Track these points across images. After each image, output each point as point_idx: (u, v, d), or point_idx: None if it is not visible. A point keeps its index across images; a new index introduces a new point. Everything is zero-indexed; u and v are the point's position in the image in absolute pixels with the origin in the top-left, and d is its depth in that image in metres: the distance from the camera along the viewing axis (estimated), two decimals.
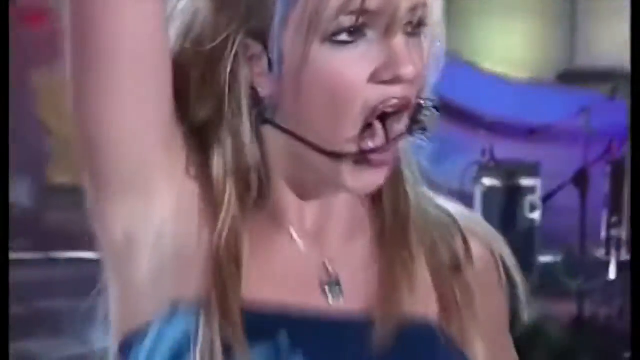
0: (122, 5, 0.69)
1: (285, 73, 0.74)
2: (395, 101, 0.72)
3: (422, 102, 0.76)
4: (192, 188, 0.76)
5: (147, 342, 0.73)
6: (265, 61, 0.74)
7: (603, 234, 4.64)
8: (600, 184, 4.80)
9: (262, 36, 0.73)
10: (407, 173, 0.83)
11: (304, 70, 0.72)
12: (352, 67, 0.72)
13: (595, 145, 4.58)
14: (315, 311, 0.78)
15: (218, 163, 0.76)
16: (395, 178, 0.82)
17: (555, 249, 5.02)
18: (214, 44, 0.73)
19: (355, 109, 0.72)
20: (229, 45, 0.73)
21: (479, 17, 7.41)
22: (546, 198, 4.70)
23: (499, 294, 0.87)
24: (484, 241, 0.87)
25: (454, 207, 0.88)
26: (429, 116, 0.77)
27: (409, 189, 0.83)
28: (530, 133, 5.26)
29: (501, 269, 0.87)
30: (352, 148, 0.73)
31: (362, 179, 0.75)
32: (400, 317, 0.77)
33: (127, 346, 0.75)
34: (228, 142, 0.76)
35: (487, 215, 4.44)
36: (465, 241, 0.86)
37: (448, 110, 5.07)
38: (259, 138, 0.77)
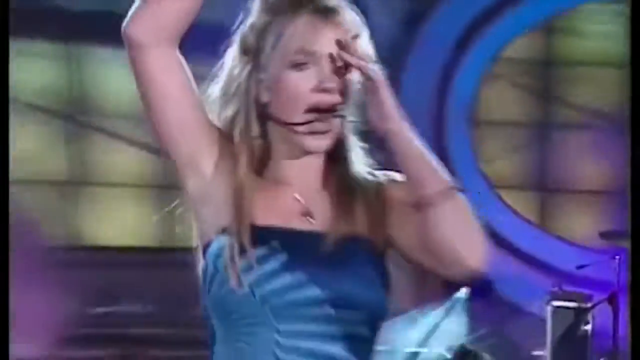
0: (164, 75, 1.35)
1: (273, 86, 1.38)
2: (324, 102, 1.36)
3: (343, 112, 1.39)
4: (222, 160, 1.39)
5: (211, 249, 1.36)
6: (264, 81, 1.39)
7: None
8: None
9: (263, 68, 1.39)
10: (349, 154, 1.44)
11: (280, 84, 1.37)
12: (302, 82, 1.37)
13: None
14: (294, 228, 1.37)
15: (236, 142, 1.39)
16: (342, 156, 1.43)
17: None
18: (240, 78, 1.40)
19: (304, 104, 1.36)
20: (245, 74, 1.40)
21: None
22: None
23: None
24: (400, 184, 1.41)
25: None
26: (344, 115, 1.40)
27: (350, 158, 1.43)
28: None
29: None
30: (305, 121, 1.35)
31: (314, 143, 1.37)
32: (342, 232, 1.36)
33: (204, 248, 1.39)
34: (243, 129, 1.39)
35: (555, 328, 5.89)
36: (386, 182, 1.44)
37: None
38: (262, 126, 1.40)
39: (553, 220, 7.69)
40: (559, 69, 7.76)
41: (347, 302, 1.35)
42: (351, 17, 1.42)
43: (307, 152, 1.40)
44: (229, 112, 1.42)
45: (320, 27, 1.39)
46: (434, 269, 1.38)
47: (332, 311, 1.34)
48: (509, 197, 7.68)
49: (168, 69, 1.35)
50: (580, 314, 5.73)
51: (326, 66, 1.37)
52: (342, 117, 1.39)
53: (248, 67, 1.42)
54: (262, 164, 1.43)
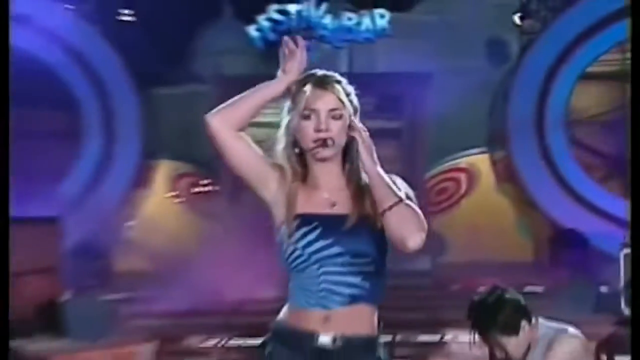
0: (233, 146, 2.07)
1: (297, 129, 2.07)
2: (320, 137, 2.04)
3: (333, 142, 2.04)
4: (280, 180, 2.10)
5: (282, 230, 2.06)
6: (293, 128, 2.08)
7: None
8: None
9: (292, 119, 2.09)
10: (357, 162, 2.09)
11: (299, 128, 2.07)
12: (309, 127, 2.05)
13: None
14: (325, 213, 2.07)
15: (284, 165, 2.10)
16: (352, 165, 2.11)
17: None
18: (285, 126, 2.12)
19: (310, 139, 2.05)
20: (286, 123, 2.11)
21: None
22: None
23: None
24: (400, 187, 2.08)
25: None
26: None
27: (357, 166, 2.09)
28: None
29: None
30: (312, 147, 2.06)
31: (320, 157, 2.06)
32: (357, 213, 2.06)
33: (278, 230, 2.09)
34: (288, 156, 2.10)
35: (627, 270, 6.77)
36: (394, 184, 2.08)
37: None
38: (300, 153, 2.09)
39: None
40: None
41: (359, 254, 2.06)
42: (338, 87, 2.10)
43: (318, 160, 2.10)
44: (281, 146, 2.13)
45: (317, 94, 2.07)
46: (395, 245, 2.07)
47: (351, 260, 2.06)
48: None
49: (238, 142, 2.07)
50: None
51: (322, 116, 2.06)
52: (333, 144, 2.06)
53: (287, 119, 2.13)
54: (304, 176, 2.13)
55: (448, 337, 6.45)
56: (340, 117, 2.06)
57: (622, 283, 6.82)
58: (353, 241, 2.05)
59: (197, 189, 11.71)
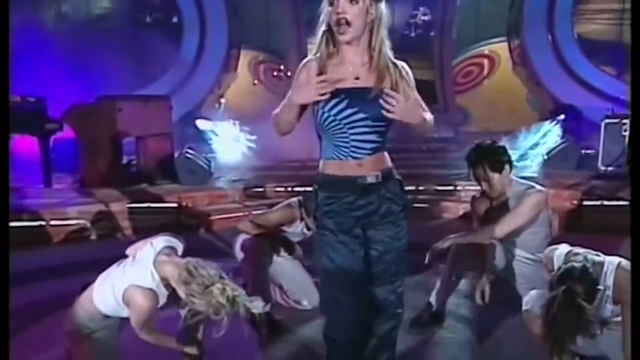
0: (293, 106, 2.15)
1: (327, 14, 2.15)
2: (338, 19, 2.11)
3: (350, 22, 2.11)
4: (319, 61, 2.21)
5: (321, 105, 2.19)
6: (325, 13, 2.18)
7: None
8: None
9: (324, 8, 2.19)
10: (379, 45, 2.16)
11: (327, 13, 2.15)
12: (332, 12, 2.12)
13: None
14: (351, 87, 2.14)
15: (321, 44, 2.20)
16: (374, 46, 2.15)
17: None
18: (323, 14, 2.19)
19: (333, 20, 2.12)
20: (324, 12, 2.19)
21: None
22: None
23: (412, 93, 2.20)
24: (408, 72, 2.22)
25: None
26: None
27: (379, 48, 2.15)
28: None
29: (411, 83, 2.21)
30: (334, 27, 2.15)
31: (342, 37, 2.13)
32: (378, 87, 2.14)
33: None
34: (323, 36, 2.19)
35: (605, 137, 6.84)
36: (403, 68, 2.22)
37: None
38: (331, 35, 2.17)
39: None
40: None
41: (377, 118, 2.12)
42: None
43: (343, 43, 2.13)
44: (319, 29, 2.16)
45: None
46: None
47: (372, 123, 2.14)
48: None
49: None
50: (621, 127, 6.72)
51: (340, 2, 2.08)
52: (348, 24, 2.06)
53: (325, 9, 2.14)
54: (331, 55, 2.15)
55: (459, 187, 6.71)
56: (357, 1, 2.08)
57: (601, 146, 6.89)
58: (373, 108, 2.11)
59: (274, 74, 11.81)
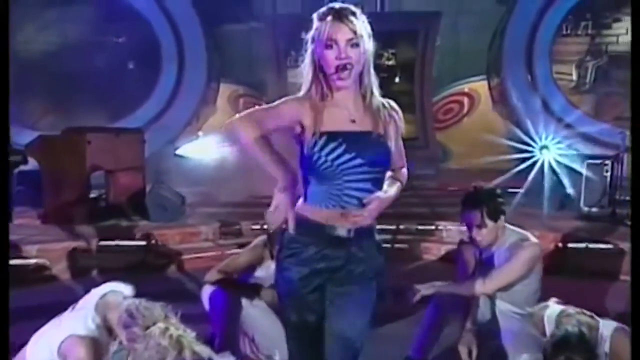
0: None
1: (320, 57, 1.95)
2: (342, 65, 1.93)
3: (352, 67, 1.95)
4: (308, 106, 1.97)
5: (311, 144, 1.96)
6: (317, 54, 1.97)
7: None
8: None
9: (316, 48, 1.98)
10: (371, 88, 2.02)
11: (323, 56, 1.95)
12: (331, 55, 1.93)
13: None
14: (348, 130, 1.96)
15: (311, 86, 1.99)
16: (367, 90, 2.01)
17: None
18: (311, 52, 1.98)
19: (332, 65, 1.93)
20: (311, 50, 2.00)
21: None
22: None
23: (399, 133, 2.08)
24: (397, 111, 2.08)
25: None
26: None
27: (372, 91, 2.02)
28: None
29: (399, 124, 2.07)
30: (333, 73, 1.95)
31: (340, 84, 1.95)
32: (374, 131, 1.98)
33: (309, 142, 1.98)
34: (312, 78, 1.99)
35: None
36: (391, 111, 2.08)
37: None
38: (324, 78, 1.98)
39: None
40: None
41: (375, 163, 1.99)
42: (355, 20, 1.95)
43: (339, 89, 1.96)
44: (306, 70, 1.99)
45: (337, 26, 1.94)
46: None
47: (368, 169, 1.98)
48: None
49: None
50: (603, 167, 6.74)
51: (342, 46, 1.93)
52: (352, 68, 1.93)
53: (312, 47, 1.97)
54: (324, 99, 1.98)
55: (441, 226, 6.52)
56: (358, 45, 1.95)
57: (582, 187, 6.79)
58: (371, 153, 1.98)
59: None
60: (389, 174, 2.09)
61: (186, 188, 7.31)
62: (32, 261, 5.19)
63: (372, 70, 2.01)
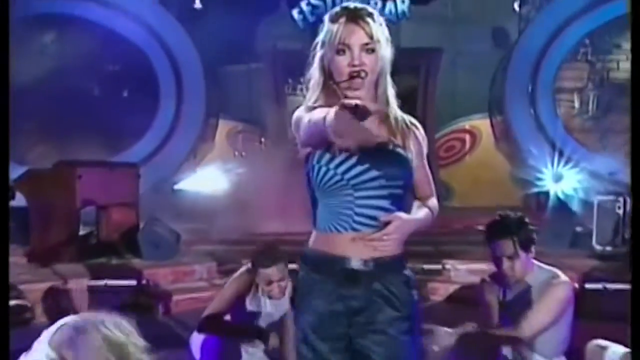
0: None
1: (331, 63, 1.73)
2: (355, 72, 1.68)
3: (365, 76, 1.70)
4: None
5: (317, 157, 1.73)
6: (327, 60, 1.76)
7: None
8: None
9: (326, 53, 1.75)
10: (389, 98, 1.79)
11: (333, 62, 1.72)
12: (343, 61, 1.68)
13: None
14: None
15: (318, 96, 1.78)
16: (384, 99, 1.78)
17: None
18: (320, 57, 1.78)
19: (345, 73, 1.68)
20: (320, 56, 1.79)
21: None
22: None
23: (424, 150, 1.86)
24: (418, 127, 1.83)
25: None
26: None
27: (389, 101, 1.79)
28: None
29: (422, 142, 1.84)
30: (346, 80, 1.70)
31: (352, 94, 1.69)
32: (393, 142, 1.73)
33: (315, 156, 1.73)
34: (319, 84, 1.78)
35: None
36: (410, 125, 1.81)
37: None
38: (331, 84, 1.75)
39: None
40: None
41: (392, 177, 1.72)
42: (372, 23, 1.72)
43: (353, 97, 1.67)
44: (315, 78, 1.77)
45: (350, 28, 1.70)
46: None
47: (385, 183, 1.71)
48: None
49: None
50: (615, 204, 6.45)
51: (356, 52, 1.69)
52: (366, 76, 1.69)
53: (321, 53, 1.75)
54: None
55: (448, 265, 6.20)
56: (373, 50, 1.71)
57: (594, 224, 6.50)
58: (387, 165, 1.73)
59: (251, 144, 11.41)
60: (416, 203, 1.79)
61: (181, 225, 7.03)
62: (12, 302, 4.80)
63: (389, 79, 1.76)
